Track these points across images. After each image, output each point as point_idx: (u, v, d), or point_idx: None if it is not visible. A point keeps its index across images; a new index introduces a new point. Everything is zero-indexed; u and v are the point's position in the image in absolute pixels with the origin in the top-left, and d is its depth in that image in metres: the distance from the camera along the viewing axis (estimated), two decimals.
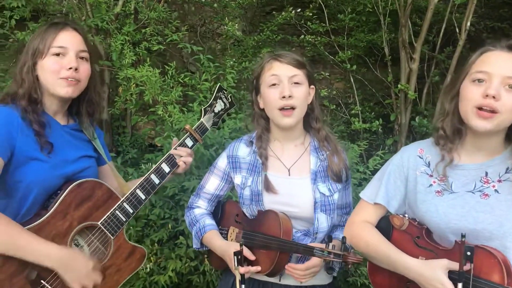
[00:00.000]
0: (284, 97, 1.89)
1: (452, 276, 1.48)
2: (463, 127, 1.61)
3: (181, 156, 2.01)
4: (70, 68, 1.77)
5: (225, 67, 3.72)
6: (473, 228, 1.53)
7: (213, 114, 2.13)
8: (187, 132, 2.05)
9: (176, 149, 2.02)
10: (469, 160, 1.63)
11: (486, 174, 1.59)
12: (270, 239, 1.88)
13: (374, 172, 2.50)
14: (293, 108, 1.92)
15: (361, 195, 1.82)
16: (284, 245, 1.85)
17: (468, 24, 4.05)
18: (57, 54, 1.78)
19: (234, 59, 4.06)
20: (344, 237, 1.83)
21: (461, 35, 4.09)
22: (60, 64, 1.78)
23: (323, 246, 1.84)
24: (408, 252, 1.62)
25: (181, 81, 3.41)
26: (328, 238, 1.88)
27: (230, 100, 2.21)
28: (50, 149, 1.75)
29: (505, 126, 1.53)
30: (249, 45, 4.77)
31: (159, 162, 1.97)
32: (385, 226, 1.73)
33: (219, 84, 2.18)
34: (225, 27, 4.94)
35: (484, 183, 1.58)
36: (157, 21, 3.88)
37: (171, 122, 3.08)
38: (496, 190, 1.56)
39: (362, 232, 1.73)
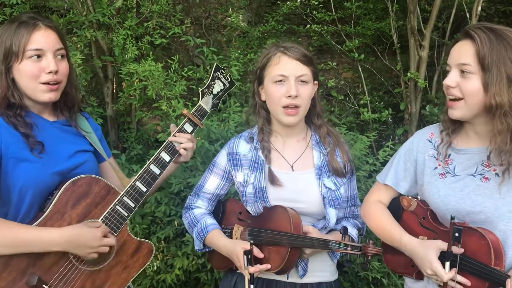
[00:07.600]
0: (290, 96, 1.83)
1: (445, 255, 1.54)
2: None
3: (181, 143, 1.90)
4: (50, 72, 1.68)
5: (229, 59, 3.66)
6: (470, 210, 1.57)
7: (212, 95, 2.01)
8: (185, 118, 1.94)
9: (175, 135, 1.91)
10: (472, 144, 1.65)
11: (488, 157, 1.61)
12: (279, 235, 1.81)
13: (384, 163, 2.44)
14: (297, 106, 1.86)
15: (377, 176, 1.88)
16: (296, 240, 1.78)
17: (479, 9, 3.94)
18: (34, 56, 1.68)
19: (239, 51, 3.98)
20: (345, 228, 1.81)
21: (472, 21, 3.98)
22: (39, 68, 1.68)
23: (339, 238, 1.80)
24: (413, 231, 1.69)
25: (185, 75, 3.34)
26: (344, 230, 1.81)
27: (229, 79, 2.06)
28: (41, 149, 1.68)
29: (477, 111, 1.54)
30: (254, 36, 4.69)
31: (158, 151, 1.87)
32: (396, 207, 1.78)
33: (215, 63, 2.05)
34: (229, 18, 4.86)
35: (486, 167, 1.60)
36: (159, 15, 3.81)
37: (175, 117, 3.02)
38: (497, 174, 1.58)
39: (372, 210, 1.81)
